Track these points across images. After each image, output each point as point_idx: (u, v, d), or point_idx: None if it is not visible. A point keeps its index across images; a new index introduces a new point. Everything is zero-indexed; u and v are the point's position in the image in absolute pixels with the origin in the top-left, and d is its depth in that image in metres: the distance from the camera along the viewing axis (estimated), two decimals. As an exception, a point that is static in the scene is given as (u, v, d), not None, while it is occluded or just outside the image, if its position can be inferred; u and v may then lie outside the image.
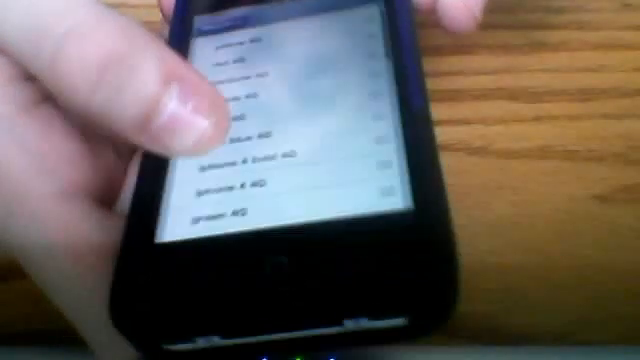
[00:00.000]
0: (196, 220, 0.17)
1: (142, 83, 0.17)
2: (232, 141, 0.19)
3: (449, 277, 0.15)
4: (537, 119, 0.28)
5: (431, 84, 0.30)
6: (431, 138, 0.18)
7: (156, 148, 0.17)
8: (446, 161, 0.28)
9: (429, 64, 0.30)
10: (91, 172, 0.19)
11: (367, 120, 0.19)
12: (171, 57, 0.17)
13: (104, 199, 0.20)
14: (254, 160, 0.19)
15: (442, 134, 0.28)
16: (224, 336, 0.16)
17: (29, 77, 0.19)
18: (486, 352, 0.22)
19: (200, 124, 0.17)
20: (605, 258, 0.24)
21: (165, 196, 0.18)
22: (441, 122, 0.28)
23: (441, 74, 0.30)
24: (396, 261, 0.15)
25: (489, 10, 0.31)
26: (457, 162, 0.27)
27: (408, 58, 0.20)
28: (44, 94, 0.19)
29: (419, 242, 0.16)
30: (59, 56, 0.17)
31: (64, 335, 0.20)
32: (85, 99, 0.17)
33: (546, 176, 0.26)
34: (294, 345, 0.16)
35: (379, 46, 0.21)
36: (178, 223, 0.18)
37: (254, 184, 0.18)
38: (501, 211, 0.25)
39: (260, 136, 0.19)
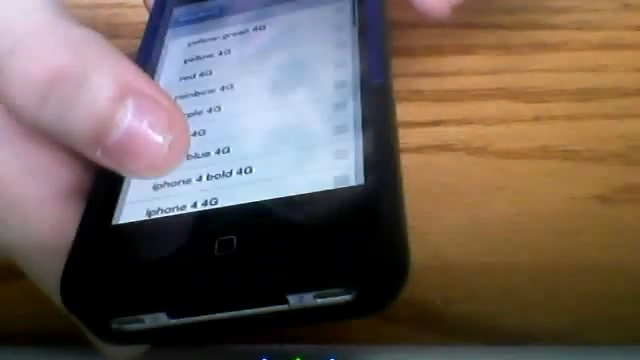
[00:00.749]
0: (149, 201, 0.18)
1: (92, 99, 0.16)
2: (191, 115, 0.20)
3: (394, 251, 0.15)
4: (537, 119, 0.28)
5: (431, 84, 0.30)
6: (386, 115, 0.18)
7: (111, 166, 0.16)
8: (446, 161, 0.28)
9: (429, 64, 0.30)
10: (84, 172, 0.19)
11: (328, 107, 0.19)
12: (129, 70, 0.17)
13: None
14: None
15: (442, 134, 0.28)
16: (170, 314, 0.16)
17: None
18: (486, 352, 0.22)
19: (156, 142, 0.16)
20: (605, 258, 0.24)
21: (122, 180, 0.19)
22: (441, 122, 0.28)
23: (441, 74, 0.30)
24: (341, 235, 0.15)
25: (489, 10, 0.31)
26: (457, 162, 0.27)
27: (373, 37, 0.20)
28: None
29: (365, 217, 0.16)
30: (3, 73, 0.17)
31: (64, 335, 0.20)
32: (32, 117, 0.17)
33: (546, 176, 0.26)
34: (242, 326, 0.16)
35: (347, 31, 0.21)
36: (132, 206, 0.18)
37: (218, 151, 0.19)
38: (501, 211, 0.25)
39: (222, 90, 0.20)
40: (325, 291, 0.15)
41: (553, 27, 0.31)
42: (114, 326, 0.16)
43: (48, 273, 0.18)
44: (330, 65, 0.20)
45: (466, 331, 0.23)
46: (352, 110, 0.18)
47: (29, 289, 0.19)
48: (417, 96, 0.29)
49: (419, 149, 0.27)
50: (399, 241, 0.15)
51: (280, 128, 0.19)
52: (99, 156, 0.16)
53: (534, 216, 0.25)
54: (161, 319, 0.16)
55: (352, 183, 0.17)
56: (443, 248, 0.25)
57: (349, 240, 0.15)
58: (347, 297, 0.15)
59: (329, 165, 0.17)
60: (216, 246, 0.16)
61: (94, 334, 0.17)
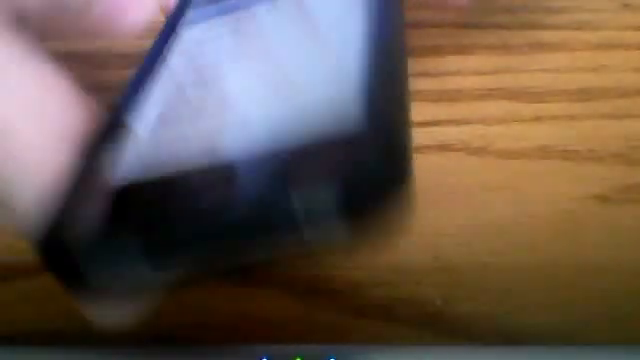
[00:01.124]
0: (147, 152, 0.17)
1: None
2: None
3: (388, 139, 0.15)
4: (537, 119, 0.28)
5: (431, 84, 0.30)
6: (394, 60, 0.18)
7: (105, 27, 0.20)
8: (446, 161, 0.28)
9: (429, 64, 0.30)
10: (88, 120, 0.19)
11: (332, 49, 0.19)
12: None
13: None
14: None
15: (442, 134, 0.28)
16: (149, 241, 0.15)
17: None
18: (486, 352, 0.22)
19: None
20: (605, 258, 0.24)
21: (120, 132, 0.18)
22: (441, 122, 0.28)
23: (441, 74, 0.30)
24: (333, 145, 0.15)
25: (489, 10, 0.31)
26: (457, 162, 0.27)
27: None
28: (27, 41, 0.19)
29: (363, 136, 0.15)
30: None
31: (64, 335, 0.20)
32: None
33: (546, 176, 0.26)
34: (233, 245, 0.15)
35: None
36: (129, 160, 0.17)
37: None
38: (501, 211, 0.25)
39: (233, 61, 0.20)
40: (325, 187, 0.14)
41: (553, 27, 0.31)
42: (90, 271, 0.15)
43: (33, 217, 0.17)
44: (338, 16, 0.20)
45: (466, 331, 0.23)
46: (359, 54, 0.18)
47: (29, 289, 0.19)
48: (417, 96, 0.29)
49: (419, 149, 0.27)
50: (395, 135, 0.15)
51: (283, 75, 0.19)
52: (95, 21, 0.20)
53: (534, 216, 0.25)
54: (139, 251, 0.15)
55: (354, 107, 0.16)
56: (443, 248, 0.25)
57: (344, 137, 0.15)
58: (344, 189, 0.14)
59: (333, 95, 0.17)
60: (214, 178, 0.15)
61: (72, 290, 0.16)
